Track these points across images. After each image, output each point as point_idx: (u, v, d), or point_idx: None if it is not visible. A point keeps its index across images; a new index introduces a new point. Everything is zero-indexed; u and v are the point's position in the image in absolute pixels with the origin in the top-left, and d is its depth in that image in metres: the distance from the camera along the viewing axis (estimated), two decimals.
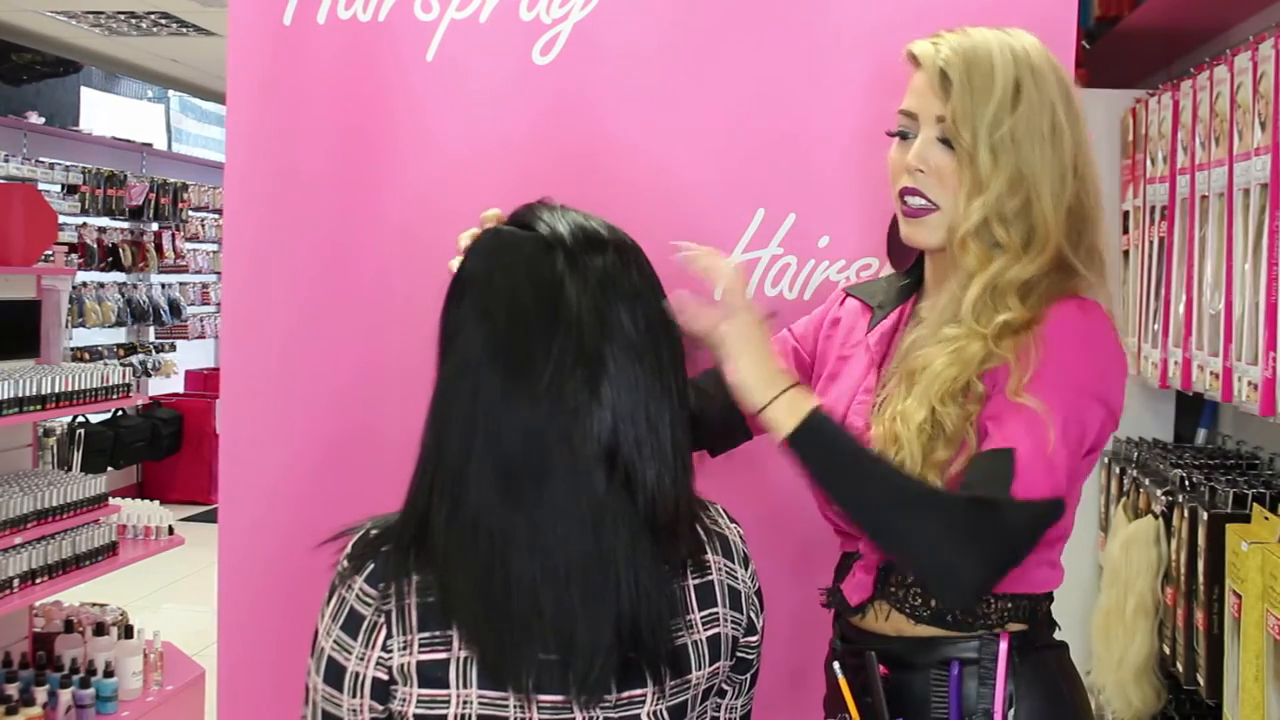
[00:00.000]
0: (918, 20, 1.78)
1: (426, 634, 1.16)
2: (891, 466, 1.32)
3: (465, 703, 1.15)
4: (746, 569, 1.30)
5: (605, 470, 1.16)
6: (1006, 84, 1.38)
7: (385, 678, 1.17)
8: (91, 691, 3.47)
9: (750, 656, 1.30)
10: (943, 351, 1.35)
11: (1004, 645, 1.34)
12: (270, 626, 1.82)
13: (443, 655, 1.15)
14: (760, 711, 1.39)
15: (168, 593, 5.53)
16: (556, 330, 1.15)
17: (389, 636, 1.16)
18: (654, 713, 1.20)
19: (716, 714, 1.31)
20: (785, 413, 1.31)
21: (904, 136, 1.43)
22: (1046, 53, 1.43)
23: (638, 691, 1.19)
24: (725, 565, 1.26)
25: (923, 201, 1.41)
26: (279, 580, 1.82)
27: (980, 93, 1.37)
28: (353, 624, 1.18)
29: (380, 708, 1.18)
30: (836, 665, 1.43)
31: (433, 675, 1.15)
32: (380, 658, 1.17)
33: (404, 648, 1.16)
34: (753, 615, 1.29)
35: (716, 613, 1.24)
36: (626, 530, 1.16)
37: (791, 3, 1.85)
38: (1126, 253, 2.52)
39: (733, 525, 1.31)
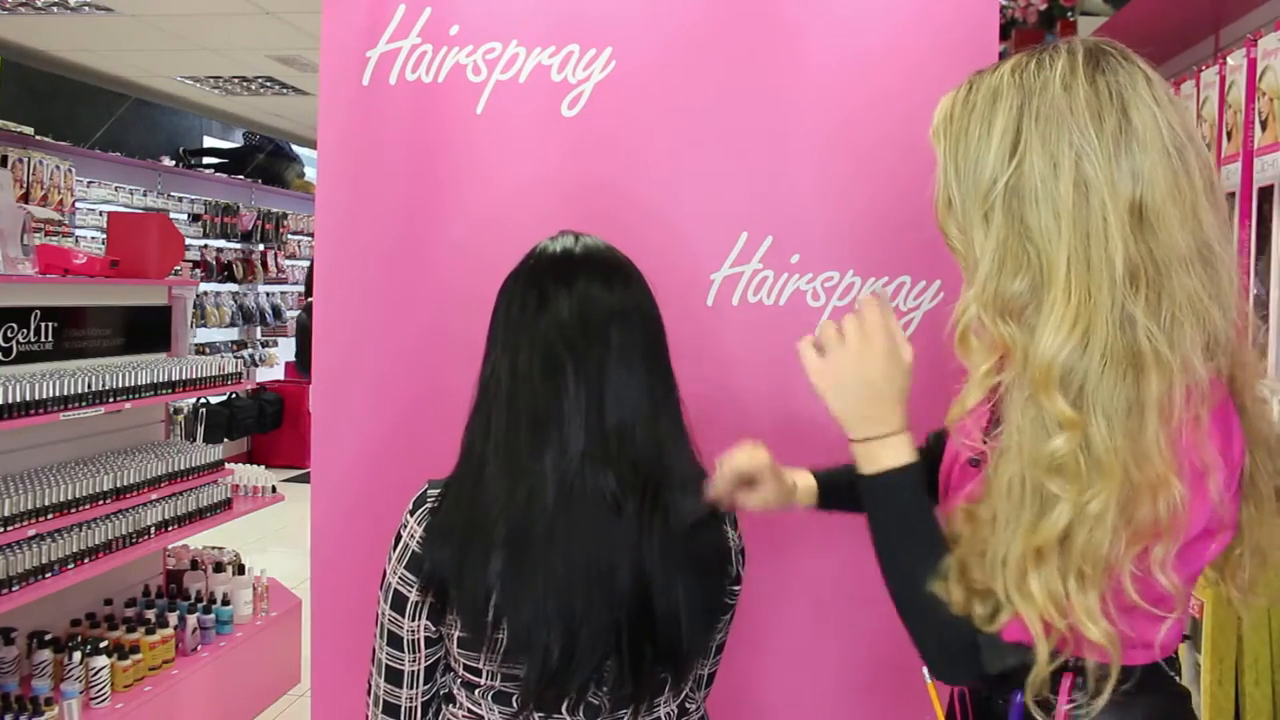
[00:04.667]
0: (885, 62, 1.77)
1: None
2: (930, 557, 1.01)
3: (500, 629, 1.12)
4: (735, 529, 1.26)
5: (611, 463, 1.11)
6: (1001, 132, 0.95)
7: (440, 605, 1.16)
8: (212, 616, 3.50)
9: (732, 602, 1.27)
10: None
11: (1066, 682, 0.99)
12: (352, 564, 1.82)
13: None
14: None
15: (272, 539, 5.53)
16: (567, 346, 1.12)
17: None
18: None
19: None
20: (866, 459, 1.04)
21: None
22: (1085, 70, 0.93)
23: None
24: (719, 527, 1.22)
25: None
26: (359, 527, 1.84)
27: (959, 149, 0.99)
28: (414, 563, 1.16)
29: (433, 629, 1.17)
30: (926, 671, 1.11)
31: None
32: (436, 589, 1.15)
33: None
34: (739, 567, 1.26)
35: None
36: (635, 521, 1.11)
37: (774, 65, 1.81)
38: None
39: None
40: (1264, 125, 1.62)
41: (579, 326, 1.11)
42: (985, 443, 1.04)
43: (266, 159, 8.47)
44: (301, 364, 5.24)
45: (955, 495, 1.11)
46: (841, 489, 1.35)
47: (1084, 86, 0.92)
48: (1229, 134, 1.72)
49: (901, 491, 1.03)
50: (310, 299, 5.23)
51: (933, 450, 1.28)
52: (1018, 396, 0.93)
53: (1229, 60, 1.75)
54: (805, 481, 1.38)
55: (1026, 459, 0.92)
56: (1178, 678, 1.06)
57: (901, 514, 1.03)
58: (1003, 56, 2.47)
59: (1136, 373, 0.89)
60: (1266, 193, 1.61)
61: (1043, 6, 2.60)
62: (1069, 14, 2.53)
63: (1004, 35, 2.56)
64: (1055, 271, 0.90)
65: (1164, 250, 0.89)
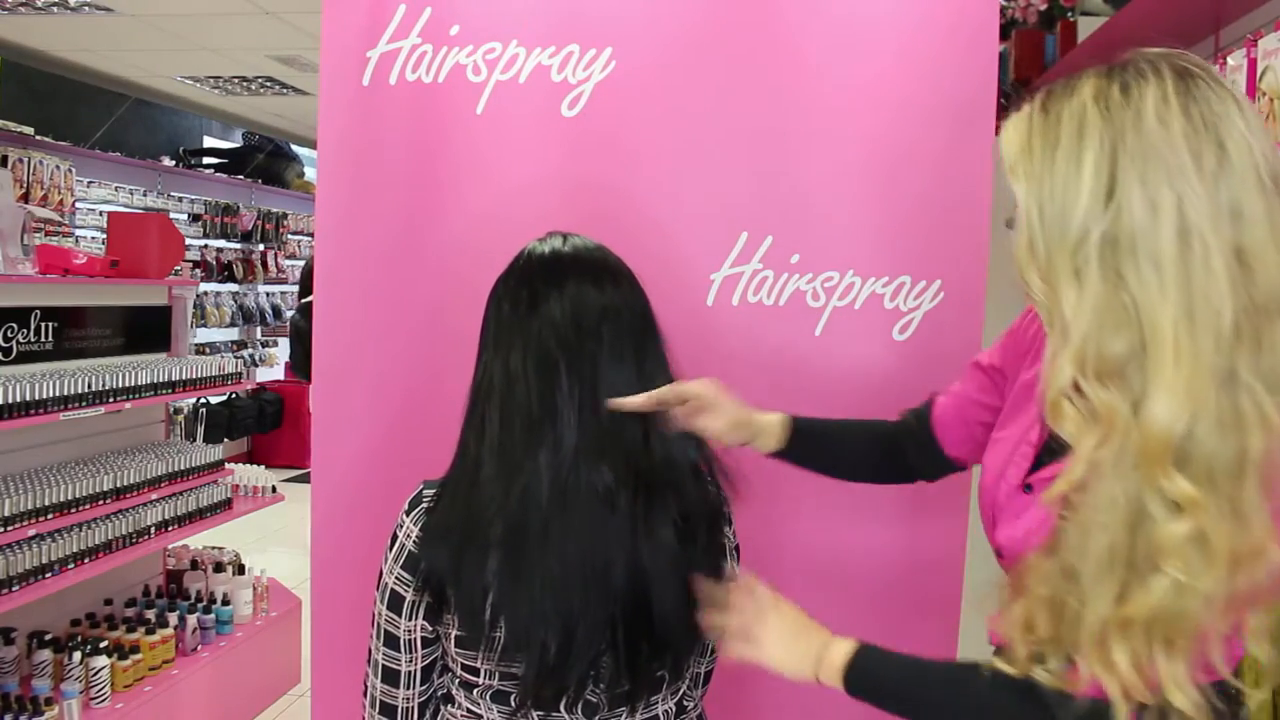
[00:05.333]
0: (885, 62, 1.77)
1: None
2: (941, 685, 1.02)
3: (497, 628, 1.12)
4: (730, 527, 1.27)
5: (606, 459, 1.11)
6: (1093, 173, 0.83)
7: (437, 605, 1.15)
8: (212, 616, 3.51)
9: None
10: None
11: None
12: (352, 564, 1.82)
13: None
14: None
15: (272, 539, 5.53)
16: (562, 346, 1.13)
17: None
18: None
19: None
20: (830, 677, 1.07)
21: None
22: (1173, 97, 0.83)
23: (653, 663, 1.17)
24: (715, 523, 1.23)
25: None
26: (358, 527, 1.84)
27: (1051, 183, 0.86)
28: (410, 563, 1.16)
29: (430, 628, 1.16)
30: None
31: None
32: (433, 588, 1.15)
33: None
34: (734, 565, 1.27)
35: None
36: (629, 518, 1.11)
37: (774, 65, 1.81)
38: None
39: (721, 495, 1.26)
40: None
41: (572, 326, 1.12)
42: (1041, 467, 1.01)
43: (266, 159, 8.47)
44: (296, 366, 5.22)
45: (1009, 521, 1.08)
46: (815, 437, 1.35)
47: (1179, 119, 0.82)
48: None
49: (874, 663, 1.05)
50: (304, 300, 5.21)
51: (910, 425, 1.35)
52: (1113, 468, 0.83)
53: (1229, 60, 1.75)
54: (770, 422, 1.34)
55: (1122, 532, 0.83)
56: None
57: (890, 682, 1.04)
58: (1003, 56, 2.47)
59: (1240, 434, 0.80)
60: None
61: (1043, 7, 2.60)
62: (1069, 14, 2.53)
63: (1004, 35, 2.56)
64: (1160, 329, 0.80)
65: (1263, 296, 0.81)
